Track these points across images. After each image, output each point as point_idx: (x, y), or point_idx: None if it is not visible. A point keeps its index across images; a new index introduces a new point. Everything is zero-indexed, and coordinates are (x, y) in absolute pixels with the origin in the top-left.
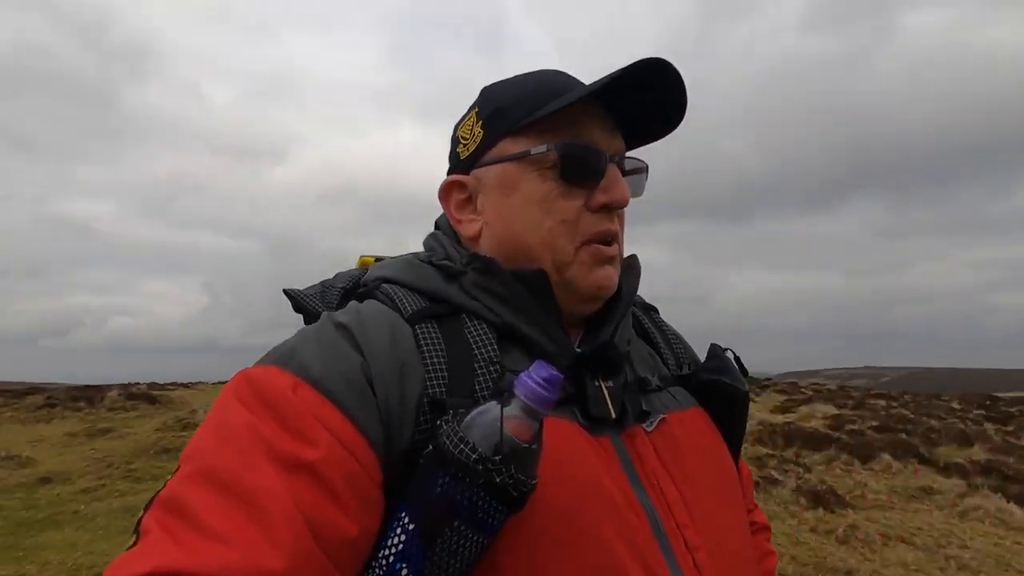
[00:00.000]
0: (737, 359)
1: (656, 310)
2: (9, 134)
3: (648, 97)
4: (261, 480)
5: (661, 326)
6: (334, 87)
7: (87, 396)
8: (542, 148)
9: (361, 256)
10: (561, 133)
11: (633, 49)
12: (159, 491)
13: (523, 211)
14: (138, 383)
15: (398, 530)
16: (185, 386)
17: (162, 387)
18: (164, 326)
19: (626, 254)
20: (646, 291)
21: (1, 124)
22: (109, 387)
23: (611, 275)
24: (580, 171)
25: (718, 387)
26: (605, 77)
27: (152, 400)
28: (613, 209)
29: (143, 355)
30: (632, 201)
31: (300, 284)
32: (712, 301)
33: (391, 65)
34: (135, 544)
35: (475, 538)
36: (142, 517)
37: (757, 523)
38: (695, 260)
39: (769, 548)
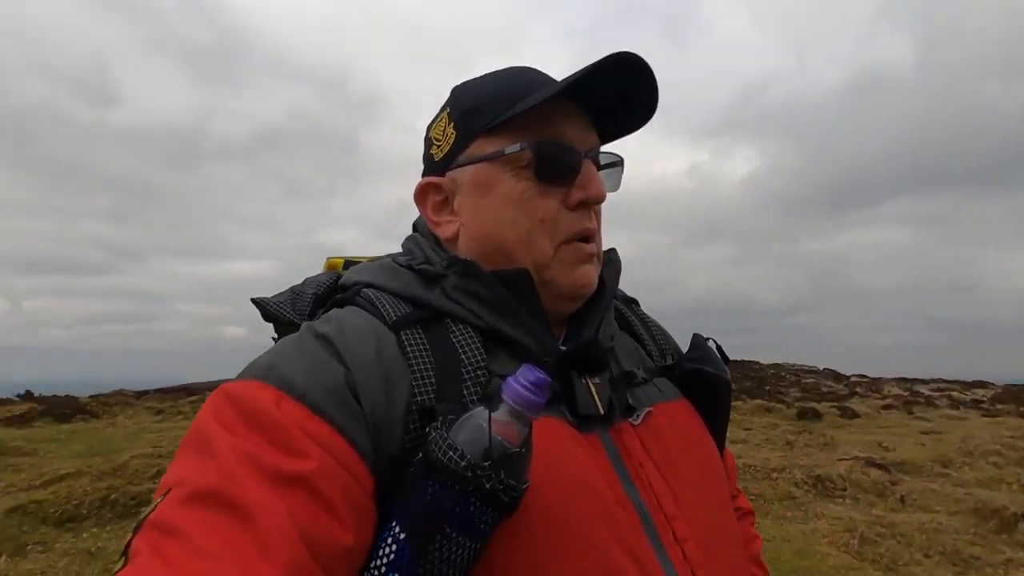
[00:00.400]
0: (719, 348)
1: (637, 303)
2: (287, 183)
3: (620, 91)
4: (251, 496)
5: (644, 318)
6: None
7: None
8: (515, 147)
9: (329, 258)
10: (534, 131)
11: (844, 11)
12: (147, 514)
13: (500, 211)
14: None
15: (389, 540)
16: None
17: None
18: None
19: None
20: (877, 278)
21: (281, 175)
22: None
23: (591, 273)
24: (555, 169)
25: (701, 376)
26: (575, 74)
27: None
28: (590, 206)
29: None
30: (854, 179)
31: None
32: (979, 289)
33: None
34: (123, 567)
35: (467, 544)
36: (131, 540)
37: (741, 508)
38: (950, 241)
39: (753, 533)
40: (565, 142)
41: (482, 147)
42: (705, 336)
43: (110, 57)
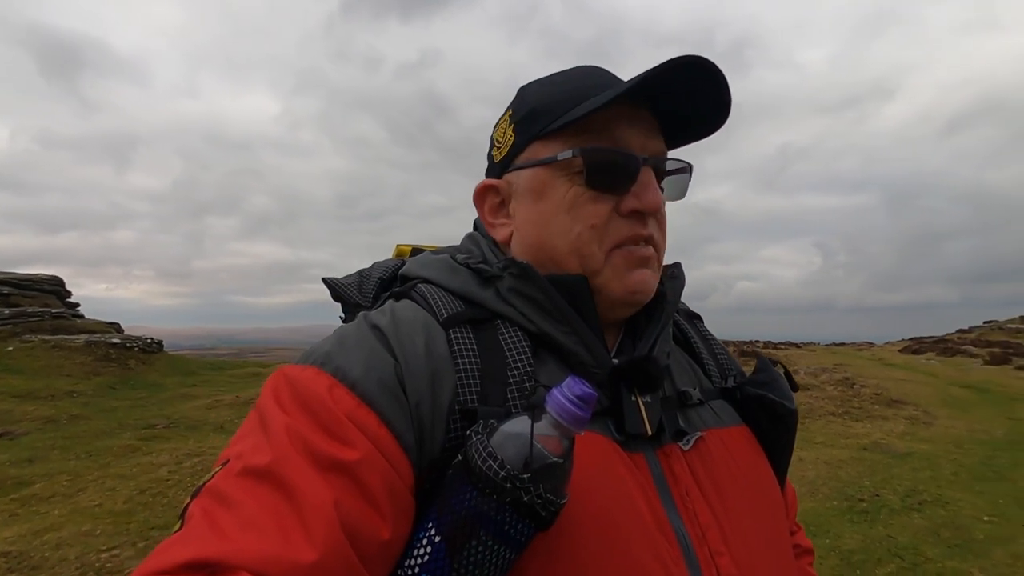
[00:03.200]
0: (787, 374)
1: (700, 319)
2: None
3: (692, 95)
4: (300, 478)
5: (706, 336)
6: None
7: None
8: (568, 153)
9: (398, 245)
10: (592, 136)
11: None
12: (205, 481)
13: (552, 217)
14: (756, 341)
15: (424, 541)
16: (796, 346)
17: (775, 346)
18: (781, 288)
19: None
20: None
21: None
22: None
23: (646, 278)
24: (607, 176)
25: (763, 403)
26: (635, 78)
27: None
28: (645, 214)
29: (765, 315)
30: None
31: (917, 228)
32: None
33: None
34: (179, 530)
35: (501, 552)
36: (188, 504)
37: (800, 547)
38: None
39: (811, 572)
40: (623, 148)
41: (538, 151)
42: (773, 361)
43: (518, 74)
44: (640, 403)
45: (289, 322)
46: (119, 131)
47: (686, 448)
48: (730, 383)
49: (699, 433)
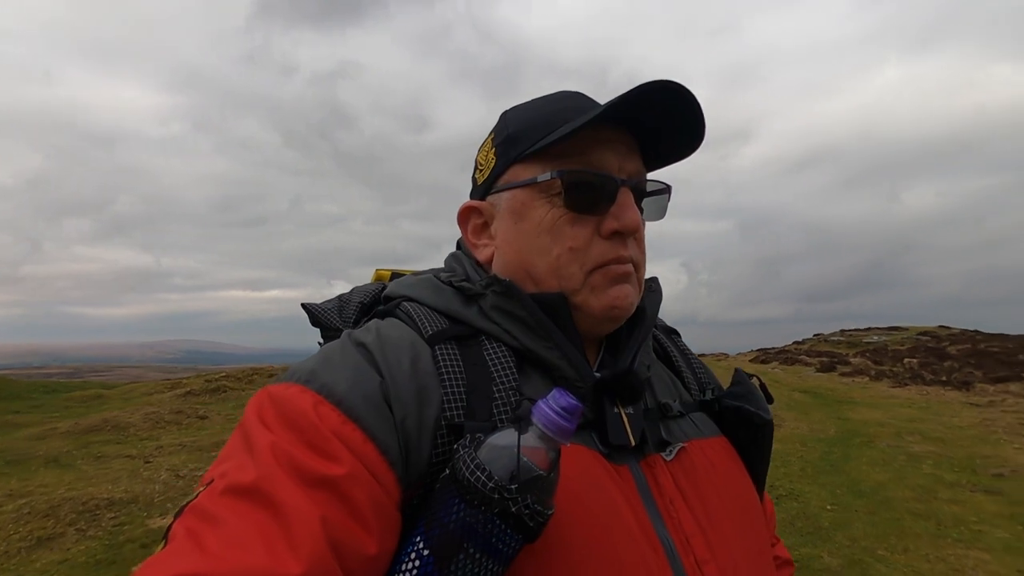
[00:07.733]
0: (763, 386)
1: (678, 333)
2: None
3: (668, 118)
4: (285, 494)
5: (684, 350)
6: (802, 54)
7: None
8: (547, 175)
9: (377, 270)
10: (570, 159)
11: None
12: (189, 501)
13: (532, 238)
14: None
15: (412, 555)
16: None
17: None
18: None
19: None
20: None
21: None
22: None
23: (626, 293)
24: (586, 198)
25: (740, 414)
26: (610, 102)
27: None
28: (625, 235)
29: None
30: None
31: (764, 253)
32: None
33: (866, 6)
34: (162, 549)
35: (489, 565)
36: (172, 524)
37: (780, 558)
38: None
39: None
40: (602, 170)
41: (518, 174)
42: (749, 374)
43: (425, 91)
44: (623, 415)
45: (141, 336)
46: None
47: (669, 458)
48: (708, 395)
49: (681, 444)
